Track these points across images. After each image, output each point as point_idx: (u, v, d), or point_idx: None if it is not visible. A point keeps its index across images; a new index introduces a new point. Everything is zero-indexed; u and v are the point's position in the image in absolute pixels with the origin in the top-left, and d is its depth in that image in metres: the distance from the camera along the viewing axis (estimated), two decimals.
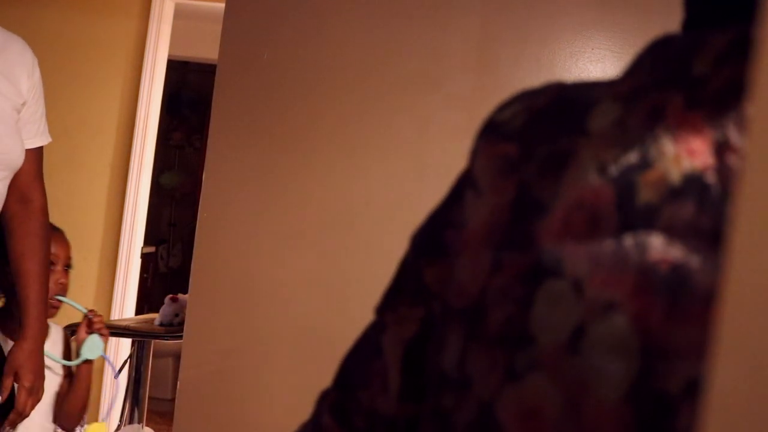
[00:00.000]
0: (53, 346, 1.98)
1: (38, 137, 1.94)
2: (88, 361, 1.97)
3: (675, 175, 0.53)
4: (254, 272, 2.59)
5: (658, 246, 0.52)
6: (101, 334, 1.98)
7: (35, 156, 1.94)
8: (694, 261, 0.52)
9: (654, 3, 2.42)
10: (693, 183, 0.53)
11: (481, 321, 0.59)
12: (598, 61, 2.49)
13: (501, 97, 0.72)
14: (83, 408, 2.00)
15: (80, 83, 3.77)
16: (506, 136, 0.64)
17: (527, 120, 0.63)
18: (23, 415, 1.86)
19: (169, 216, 6.53)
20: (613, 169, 0.55)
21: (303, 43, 2.57)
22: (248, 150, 2.59)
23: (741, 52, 0.56)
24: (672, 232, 0.53)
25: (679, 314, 0.52)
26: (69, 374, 2.03)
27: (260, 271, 2.59)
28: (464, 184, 0.65)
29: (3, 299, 2.02)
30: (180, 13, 3.87)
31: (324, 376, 2.61)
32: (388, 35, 2.54)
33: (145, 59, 3.77)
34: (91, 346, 1.95)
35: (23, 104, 1.88)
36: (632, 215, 0.53)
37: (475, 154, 0.66)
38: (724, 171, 0.53)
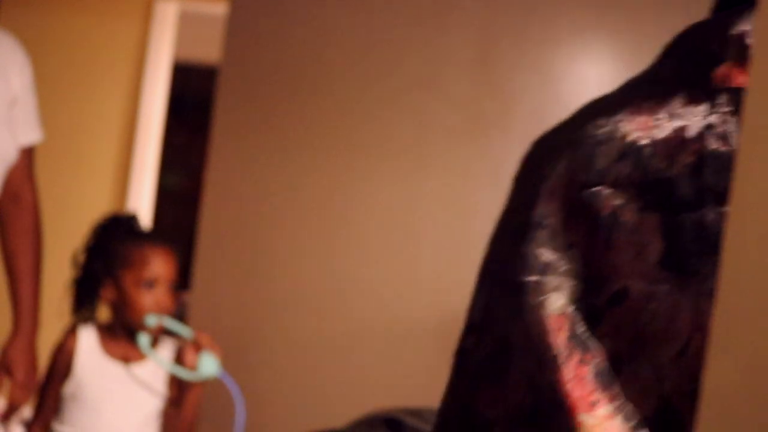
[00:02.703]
0: (164, 363, 1.85)
1: (30, 134, 1.95)
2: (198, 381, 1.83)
3: (621, 144, 0.77)
4: (256, 272, 2.61)
5: (604, 197, 0.75)
6: (211, 351, 1.83)
7: (27, 153, 1.95)
8: (628, 204, 0.75)
9: (650, 6, 2.43)
10: (631, 149, 0.76)
11: (498, 273, 0.82)
12: (595, 62, 2.50)
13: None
14: (191, 430, 1.87)
15: (84, 86, 3.78)
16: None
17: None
18: (15, 409, 1.88)
19: (171, 217, 6.53)
20: (588, 146, 0.78)
21: (305, 46, 2.58)
22: (250, 151, 2.60)
23: (685, 51, 0.83)
24: (614, 186, 0.76)
25: (611, 245, 0.74)
26: (173, 398, 1.90)
27: (262, 270, 2.60)
28: None
29: None
30: (183, 17, 3.88)
31: (326, 375, 2.64)
32: (389, 38, 2.55)
33: (148, 62, 3.79)
34: (209, 365, 1.81)
35: (14, 101, 1.88)
36: (591, 177, 0.77)
37: None
38: (657, 139, 0.76)
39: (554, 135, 0.84)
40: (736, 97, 0.74)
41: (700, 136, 0.73)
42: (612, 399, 0.72)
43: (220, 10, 3.26)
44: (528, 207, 0.79)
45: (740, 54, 0.76)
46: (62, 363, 1.88)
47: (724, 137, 0.73)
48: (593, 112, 0.80)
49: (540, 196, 0.78)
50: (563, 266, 0.76)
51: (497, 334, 0.79)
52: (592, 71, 2.49)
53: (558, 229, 0.76)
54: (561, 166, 0.78)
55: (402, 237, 2.56)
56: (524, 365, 0.77)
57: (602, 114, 0.78)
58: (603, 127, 0.77)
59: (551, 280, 0.76)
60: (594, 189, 0.75)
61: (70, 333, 1.89)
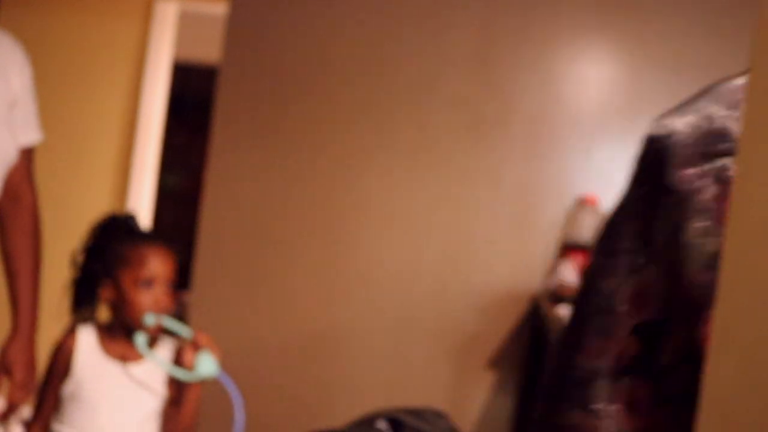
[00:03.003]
0: (161, 363, 1.83)
1: (30, 135, 1.95)
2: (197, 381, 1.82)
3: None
4: (256, 271, 2.61)
5: (730, 167, 0.84)
6: (210, 351, 1.81)
7: (26, 154, 1.95)
8: None
9: (651, 7, 2.43)
10: None
11: (617, 235, 0.93)
12: (595, 62, 2.50)
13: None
14: (191, 430, 1.86)
15: (84, 86, 3.78)
16: None
17: None
18: (15, 409, 1.89)
19: (171, 217, 6.53)
20: (722, 118, 0.88)
21: (304, 46, 2.58)
22: (250, 151, 2.60)
23: None
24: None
25: None
26: (173, 398, 1.88)
27: (262, 270, 2.60)
28: None
29: None
30: (183, 17, 3.88)
31: (327, 374, 2.62)
32: (390, 38, 2.55)
33: (148, 62, 3.79)
34: (207, 365, 1.80)
35: (15, 101, 1.88)
36: (727, 146, 0.86)
37: None
38: None
39: (676, 111, 0.91)
40: None
41: None
42: None
43: (220, 10, 3.26)
44: (656, 175, 0.88)
45: None
46: (61, 363, 1.87)
47: None
48: (720, 90, 0.88)
49: (668, 162, 0.86)
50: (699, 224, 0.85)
51: (606, 289, 0.89)
52: (592, 71, 2.49)
53: (690, 194, 0.84)
54: (692, 138, 0.85)
55: (402, 236, 2.56)
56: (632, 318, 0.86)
57: (731, 92, 0.86)
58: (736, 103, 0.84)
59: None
60: (729, 158, 0.83)
61: (70, 333, 1.89)
